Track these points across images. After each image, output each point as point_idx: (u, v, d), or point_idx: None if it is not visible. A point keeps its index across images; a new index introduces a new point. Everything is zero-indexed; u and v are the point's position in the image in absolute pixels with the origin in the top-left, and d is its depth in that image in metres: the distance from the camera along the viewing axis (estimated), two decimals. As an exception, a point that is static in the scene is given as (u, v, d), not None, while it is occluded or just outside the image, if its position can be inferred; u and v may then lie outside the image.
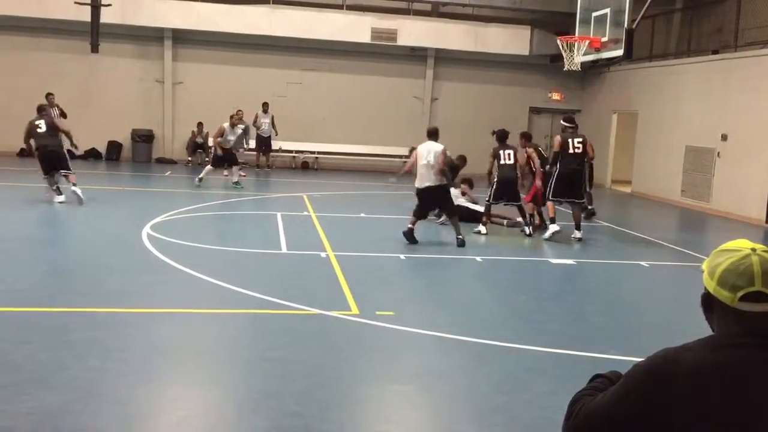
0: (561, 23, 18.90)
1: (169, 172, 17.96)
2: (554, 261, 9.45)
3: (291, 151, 21.08)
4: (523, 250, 10.31)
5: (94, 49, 17.77)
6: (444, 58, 21.66)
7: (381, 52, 21.10)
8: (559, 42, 16.28)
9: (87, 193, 11.84)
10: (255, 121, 19.21)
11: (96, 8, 17.49)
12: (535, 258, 9.80)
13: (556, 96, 22.44)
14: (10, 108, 19.63)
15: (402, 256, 9.13)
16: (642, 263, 9.60)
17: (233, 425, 4.28)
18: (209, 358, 5.32)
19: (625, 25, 14.34)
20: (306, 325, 6.15)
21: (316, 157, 21.27)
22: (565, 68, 16.36)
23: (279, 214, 11.77)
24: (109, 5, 17.68)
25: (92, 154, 19.97)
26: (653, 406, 1.55)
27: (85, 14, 17.57)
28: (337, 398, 4.66)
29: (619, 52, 14.78)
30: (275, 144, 19.98)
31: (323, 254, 8.97)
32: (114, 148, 20.18)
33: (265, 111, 19.43)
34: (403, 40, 20.56)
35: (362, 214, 12.64)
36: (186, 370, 5.12)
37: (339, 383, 4.91)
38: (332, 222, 11.53)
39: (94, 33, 17.65)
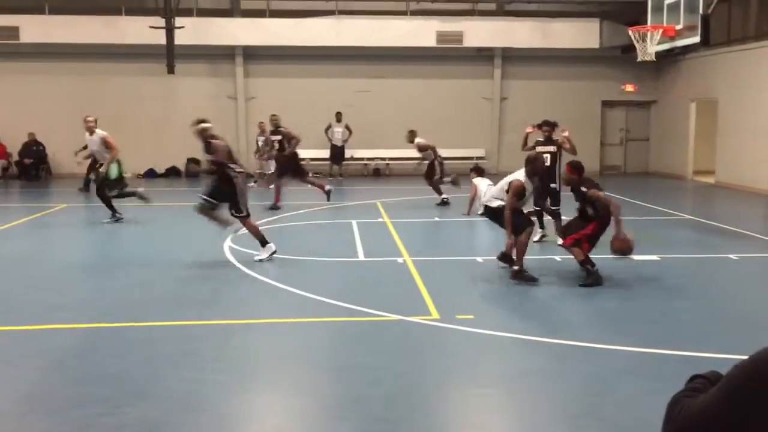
0: (631, 13, 18.43)
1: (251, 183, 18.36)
2: (637, 257, 9.21)
3: (362, 159, 21.28)
4: (603, 248, 10.08)
5: (170, 70, 18.43)
6: (511, 56, 21.45)
7: (447, 55, 21.07)
8: (630, 33, 15.89)
9: (169, 210, 12.25)
10: (327, 131, 19.58)
11: (170, 31, 18.15)
12: (617, 257, 9.57)
13: (629, 88, 21.89)
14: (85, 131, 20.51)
15: (479, 259, 9.09)
16: (731, 256, 9.25)
17: (323, 432, 4.37)
18: (297, 366, 5.43)
19: (701, 11, 13.87)
20: (388, 332, 6.20)
21: (387, 164, 21.39)
22: (639, 59, 15.95)
23: (354, 222, 11.90)
24: (182, 27, 18.30)
25: (173, 172, 20.69)
26: (758, 408, 1.50)
27: (160, 38, 18.25)
28: (423, 403, 4.69)
29: (696, 39, 14.31)
30: (347, 153, 20.26)
31: (400, 260, 9.02)
32: (193, 164, 20.82)
33: (339, 120, 19.75)
34: (469, 42, 20.48)
35: (436, 218, 12.64)
36: (276, 378, 5.25)
37: (424, 388, 4.93)
38: (407, 227, 11.57)
39: (170, 55, 18.31)
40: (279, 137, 14.08)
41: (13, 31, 19.26)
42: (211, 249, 9.76)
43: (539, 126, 10.21)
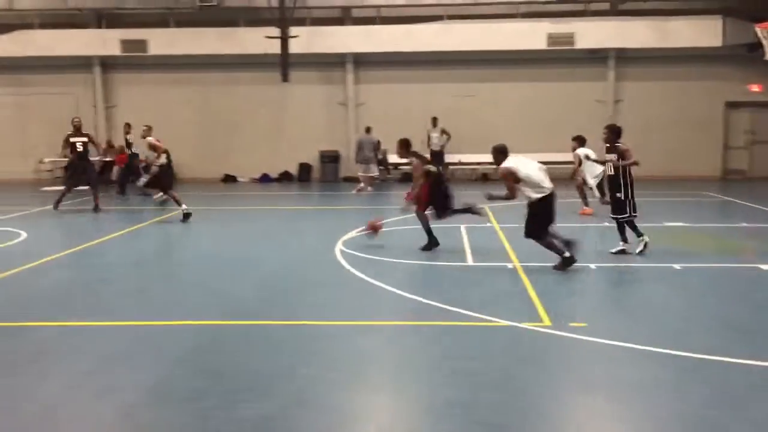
0: (757, 9, 17.40)
1: (355, 191, 18.71)
2: (765, 267, 8.68)
3: (470, 164, 21.18)
4: (725, 257, 9.57)
5: (285, 78, 19.07)
6: (626, 57, 20.76)
7: (557, 57, 20.65)
8: (757, 30, 15.02)
9: (282, 213, 12.64)
10: (428, 138, 19.70)
11: (285, 40, 18.78)
12: (741, 264, 9.07)
13: (755, 88, 20.66)
14: (211, 139, 21.60)
15: (592, 266, 8.84)
16: None
17: (433, 435, 4.39)
18: (407, 368, 5.48)
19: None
20: (497, 337, 6.15)
21: (496, 168, 21.17)
22: (766, 57, 15.04)
23: (462, 227, 11.86)
24: (296, 36, 18.89)
25: (285, 177, 21.38)
26: None
27: (275, 47, 18.93)
28: (532, 411, 4.62)
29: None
30: (454, 158, 20.24)
31: (509, 265, 8.92)
32: (304, 169, 21.46)
33: (435, 125, 19.79)
34: (581, 43, 20.00)
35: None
36: (386, 379, 5.31)
37: (534, 395, 4.85)
38: (516, 232, 11.40)
39: (284, 63, 18.94)
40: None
41: (142, 45, 20.54)
42: (323, 251, 10.00)
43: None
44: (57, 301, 7.66)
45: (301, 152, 21.37)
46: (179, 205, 13.25)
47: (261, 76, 21.01)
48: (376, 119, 20.85)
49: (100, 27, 21.13)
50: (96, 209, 14.58)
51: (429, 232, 9.90)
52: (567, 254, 8.47)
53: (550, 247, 8.55)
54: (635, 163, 9.36)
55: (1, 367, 5.47)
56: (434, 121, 19.90)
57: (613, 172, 9.46)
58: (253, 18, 20.39)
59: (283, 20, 19.04)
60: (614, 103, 20.90)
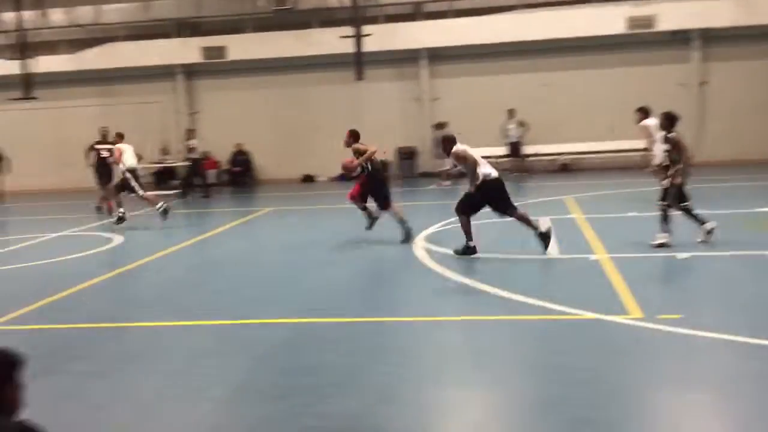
0: None
1: (433, 186, 18.67)
2: None
3: (549, 154, 20.77)
4: None
5: (359, 76, 19.20)
6: (711, 36, 19.86)
7: (635, 41, 19.98)
8: None
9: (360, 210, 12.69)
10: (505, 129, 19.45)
11: (358, 39, 18.91)
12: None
13: None
14: (289, 140, 21.98)
15: (679, 256, 8.50)
16: None
17: (525, 430, 4.31)
18: (493, 363, 5.41)
19: None
20: (587, 331, 5.99)
21: (575, 158, 20.71)
22: None
23: (546, 218, 11.63)
24: (370, 35, 18.99)
25: (363, 175, 21.52)
26: None
27: (349, 46, 19.08)
28: (631, 406, 4.47)
29: None
30: (532, 149, 19.92)
31: (592, 257, 8.68)
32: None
33: (511, 116, 19.49)
34: (662, 25, 19.29)
35: (631, 213, 12.02)
36: (472, 375, 5.25)
37: (631, 390, 4.69)
38: (599, 223, 11.12)
39: (358, 62, 19.07)
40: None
41: (221, 51, 21.11)
42: (403, 247, 10.01)
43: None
44: (148, 303, 7.97)
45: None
46: (153, 205, 13.58)
47: (335, 75, 21.23)
48: (452, 113, 20.69)
49: (181, 36, 21.83)
50: (99, 209, 16.01)
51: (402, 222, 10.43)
52: (472, 245, 8.95)
53: (466, 228, 9.01)
54: (685, 160, 8.88)
55: (101, 369, 5.71)
56: (510, 112, 19.61)
57: (668, 163, 9.07)
58: (327, 19, 20.63)
59: (356, 19, 19.18)
60: (699, 86, 20.05)
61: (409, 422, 4.41)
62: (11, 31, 20.75)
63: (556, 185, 17.21)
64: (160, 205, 13.43)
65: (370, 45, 19.48)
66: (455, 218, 9.43)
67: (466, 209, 9.13)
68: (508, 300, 6.99)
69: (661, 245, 8.87)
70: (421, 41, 20.54)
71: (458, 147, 9.19)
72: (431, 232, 11.13)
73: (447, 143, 9.36)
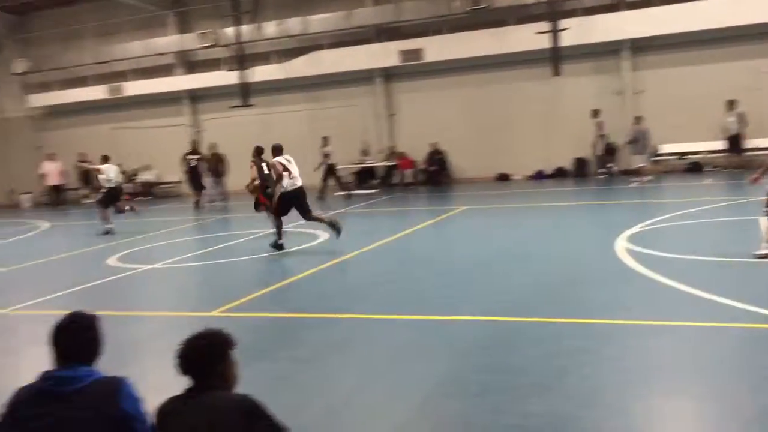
0: None
1: (634, 183, 17.76)
2: None
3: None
4: None
5: (556, 72, 18.75)
6: None
7: None
8: None
9: (558, 209, 12.44)
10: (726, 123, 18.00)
11: (555, 34, 18.48)
12: None
13: None
14: (484, 139, 22.00)
15: None
16: None
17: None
18: (707, 373, 5.06)
19: None
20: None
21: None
22: None
23: (763, 219, 10.63)
24: (567, 29, 18.47)
25: (560, 173, 20.98)
26: None
27: (545, 42, 18.70)
28: None
29: None
30: (751, 143, 18.24)
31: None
32: (580, 164, 20.86)
33: (730, 108, 17.94)
34: None
35: None
36: (682, 383, 4.96)
37: None
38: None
39: (555, 57, 18.63)
40: None
41: (418, 53, 21.63)
42: (604, 247, 9.64)
43: None
44: (353, 295, 8.41)
45: (576, 147, 20.80)
46: (106, 221, 15.55)
47: (531, 72, 20.88)
48: (658, 106, 19.55)
49: (380, 41, 22.66)
50: (197, 205, 20.25)
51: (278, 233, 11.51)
52: (281, 242, 11.29)
53: (278, 228, 11.34)
54: None
55: (310, 356, 6.13)
56: (730, 104, 18.08)
57: None
58: (522, 15, 20.35)
59: (553, 14, 18.75)
60: None
61: (617, 428, 4.26)
62: (231, 44, 22.76)
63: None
64: (109, 226, 15.43)
65: (567, 39, 18.94)
66: (659, 217, 8.90)
67: (278, 213, 11.36)
68: (723, 306, 6.49)
69: None
70: (623, 32, 19.58)
71: (278, 159, 11.14)
72: (634, 232, 10.61)
73: (276, 152, 11.18)
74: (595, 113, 19.59)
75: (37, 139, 27.80)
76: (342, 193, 20.18)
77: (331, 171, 20.34)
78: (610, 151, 20.06)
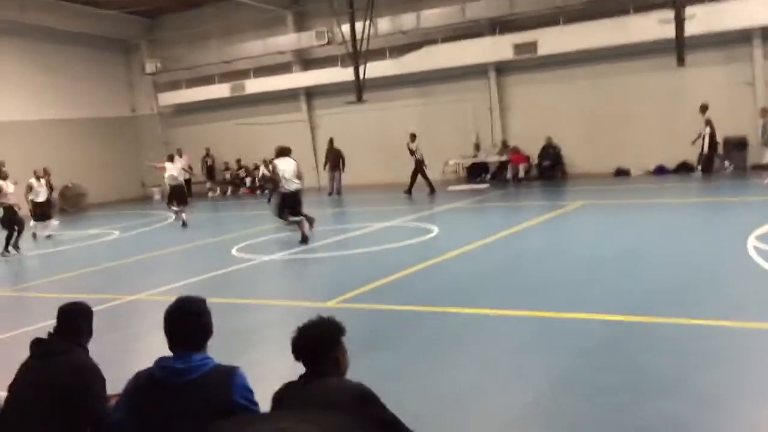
0: None
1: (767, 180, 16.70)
2: None
3: None
4: None
5: (681, 62, 17.91)
6: None
7: None
8: None
9: (681, 206, 11.91)
10: None
11: (680, 22, 17.65)
12: None
13: None
14: (601, 133, 21.32)
15: None
16: None
17: None
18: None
19: None
20: None
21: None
22: None
23: None
24: (693, 16, 17.60)
25: (684, 168, 19.99)
26: None
27: (668, 31, 17.89)
28: None
29: None
30: None
31: None
32: (706, 159, 19.79)
33: None
34: None
35: None
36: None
37: None
38: None
39: (680, 47, 17.79)
40: None
41: (532, 46, 21.24)
42: (731, 247, 9.16)
43: None
44: (468, 289, 8.42)
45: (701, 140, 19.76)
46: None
47: (652, 63, 20.02)
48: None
49: (494, 34, 22.42)
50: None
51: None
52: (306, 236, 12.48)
53: (300, 225, 12.62)
54: None
55: (427, 349, 6.22)
56: None
57: None
58: (644, 4, 19.54)
59: (678, 1, 17.89)
60: None
61: (743, 434, 4.10)
62: (346, 41, 23.22)
63: None
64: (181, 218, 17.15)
65: (693, 28, 18.02)
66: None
67: (281, 215, 12.64)
68: None
69: None
70: (756, 18, 18.41)
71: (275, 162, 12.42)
72: (765, 231, 10.01)
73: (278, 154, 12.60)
74: (704, 109, 18.48)
75: (166, 136, 29.47)
76: (428, 190, 20.19)
77: (419, 167, 20.39)
78: (714, 147, 18.87)
